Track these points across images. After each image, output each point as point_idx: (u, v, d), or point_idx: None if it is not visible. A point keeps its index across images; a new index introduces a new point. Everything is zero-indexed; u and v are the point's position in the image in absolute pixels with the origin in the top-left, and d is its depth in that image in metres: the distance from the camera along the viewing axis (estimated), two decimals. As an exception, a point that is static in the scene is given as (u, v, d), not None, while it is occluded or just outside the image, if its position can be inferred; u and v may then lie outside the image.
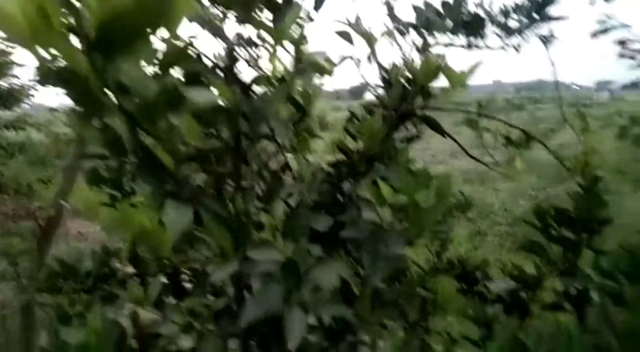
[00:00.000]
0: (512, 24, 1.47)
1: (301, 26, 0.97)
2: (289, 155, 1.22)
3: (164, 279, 1.34)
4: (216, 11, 1.01)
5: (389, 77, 1.22)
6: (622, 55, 3.16)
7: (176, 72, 0.74)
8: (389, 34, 1.28)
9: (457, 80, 0.97)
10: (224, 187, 0.88)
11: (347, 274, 0.79)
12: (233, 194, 0.85)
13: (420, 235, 0.86)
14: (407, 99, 1.18)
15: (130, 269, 1.38)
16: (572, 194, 1.25)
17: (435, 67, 0.98)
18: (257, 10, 0.96)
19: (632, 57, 3.07)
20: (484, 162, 1.36)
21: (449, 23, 1.34)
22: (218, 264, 0.76)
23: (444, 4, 1.40)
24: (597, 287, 1.19)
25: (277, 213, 0.83)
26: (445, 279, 1.71)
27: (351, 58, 1.31)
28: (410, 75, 1.14)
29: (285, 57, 1.05)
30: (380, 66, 1.29)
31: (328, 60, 0.95)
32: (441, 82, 1.16)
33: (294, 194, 1.02)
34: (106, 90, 0.52)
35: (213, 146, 0.93)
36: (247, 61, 0.94)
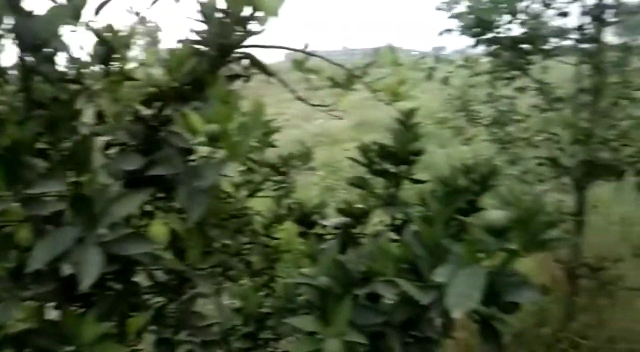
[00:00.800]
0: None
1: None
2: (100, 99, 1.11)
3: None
4: None
5: (205, 11, 1.16)
6: (438, 8, 3.43)
7: None
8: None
9: (270, 8, 0.95)
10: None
11: (143, 201, 0.74)
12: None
13: (236, 159, 0.83)
14: (225, 33, 1.13)
15: None
16: (391, 129, 1.33)
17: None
18: None
19: (448, 10, 3.35)
20: (316, 104, 1.38)
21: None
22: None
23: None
24: (415, 213, 1.29)
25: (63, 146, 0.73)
26: (287, 225, 1.74)
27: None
28: (225, 7, 1.09)
29: None
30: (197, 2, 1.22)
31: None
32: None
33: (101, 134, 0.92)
34: None
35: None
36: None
